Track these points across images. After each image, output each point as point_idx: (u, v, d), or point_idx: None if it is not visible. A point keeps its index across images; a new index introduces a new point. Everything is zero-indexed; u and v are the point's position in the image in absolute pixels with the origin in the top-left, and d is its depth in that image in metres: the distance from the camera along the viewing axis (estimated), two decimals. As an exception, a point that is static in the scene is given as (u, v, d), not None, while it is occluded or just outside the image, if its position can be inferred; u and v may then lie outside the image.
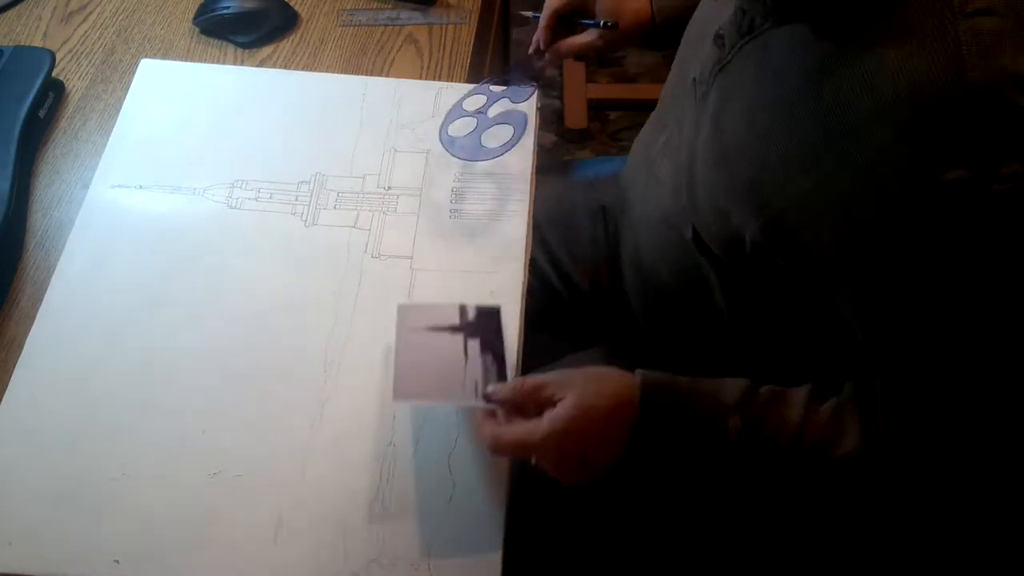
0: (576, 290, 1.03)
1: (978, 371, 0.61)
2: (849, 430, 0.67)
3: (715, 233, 0.73)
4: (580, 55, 1.00)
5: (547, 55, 1.00)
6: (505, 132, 0.89)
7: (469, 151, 0.89)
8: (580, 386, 0.68)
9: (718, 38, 0.70)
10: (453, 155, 0.89)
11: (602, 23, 0.96)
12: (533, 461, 0.68)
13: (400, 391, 0.70)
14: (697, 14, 0.80)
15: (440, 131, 0.89)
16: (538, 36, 0.99)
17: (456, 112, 0.90)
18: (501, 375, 0.71)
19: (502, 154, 0.88)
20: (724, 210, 0.69)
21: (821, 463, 0.68)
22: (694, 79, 0.74)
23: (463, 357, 0.72)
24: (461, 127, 0.90)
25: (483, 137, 0.90)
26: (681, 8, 0.89)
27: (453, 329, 0.75)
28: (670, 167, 0.79)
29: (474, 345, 0.73)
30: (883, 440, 0.66)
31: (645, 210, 0.87)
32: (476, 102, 0.91)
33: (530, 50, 1.00)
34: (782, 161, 0.62)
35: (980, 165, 0.53)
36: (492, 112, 0.91)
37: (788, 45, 0.63)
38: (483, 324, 0.75)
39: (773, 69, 0.63)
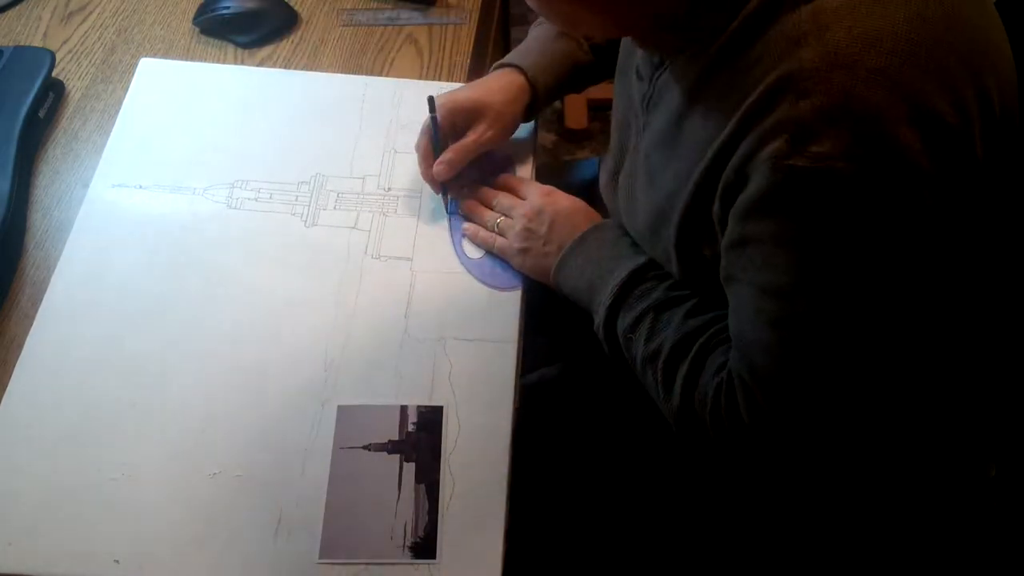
0: None
1: (818, 340, 0.63)
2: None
3: (647, 245, 0.77)
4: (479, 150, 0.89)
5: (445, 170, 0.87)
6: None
7: (497, 276, 0.85)
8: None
9: (638, 73, 0.75)
10: (489, 285, 0.84)
11: (430, 113, 0.85)
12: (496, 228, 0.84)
13: (326, 551, 0.69)
14: (622, 46, 0.82)
15: (458, 254, 0.86)
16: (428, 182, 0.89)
17: (458, 232, 0.87)
18: (432, 510, 0.70)
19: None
20: (653, 227, 0.74)
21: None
22: (635, 111, 0.77)
23: (396, 491, 0.71)
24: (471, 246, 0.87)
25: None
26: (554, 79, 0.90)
27: (391, 446, 0.73)
28: (623, 193, 0.81)
29: (409, 473, 0.72)
30: (764, 412, 0.67)
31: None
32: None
33: (437, 191, 0.89)
34: (683, 169, 0.67)
35: (795, 139, 0.55)
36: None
37: (683, 66, 0.67)
38: (423, 436, 0.74)
39: (680, 93, 0.67)
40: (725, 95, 0.61)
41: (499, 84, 0.88)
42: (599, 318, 0.78)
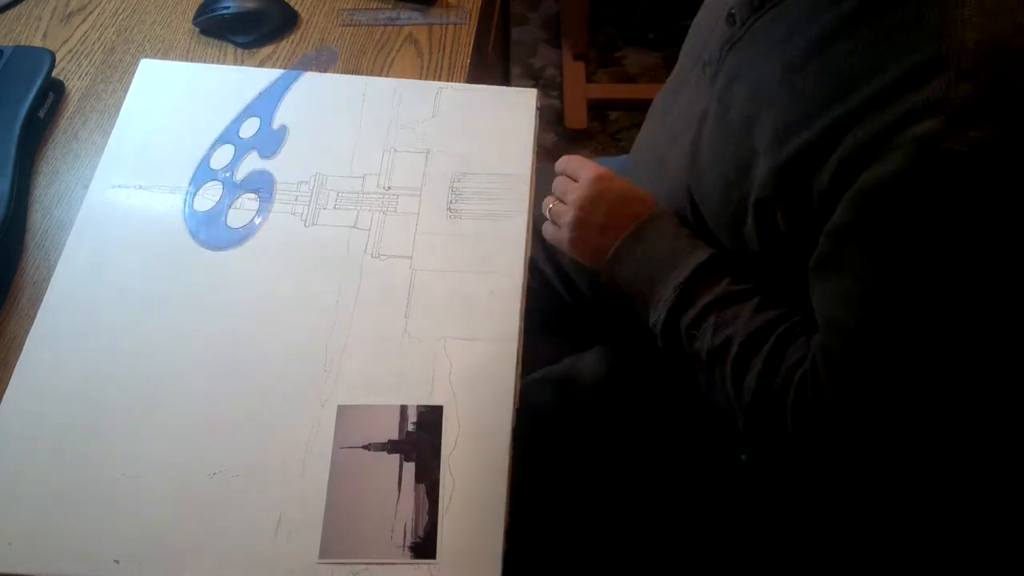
0: (576, 290, 1.03)
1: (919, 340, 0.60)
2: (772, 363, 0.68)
3: (716, 208, 0.74)
4: None
5: None
6: (251, 204, 0.86)
7: (214, 235, 0.82)
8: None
9: (730, 16, 0.71)
10: (199, 243, 0.82)
11: None
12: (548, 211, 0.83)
13: (326, 551, 0.69)
14: (707, 2, 0.81)
15: (184, 204, 0.84)
16: None
17: (203, 172, 0.83)
18: (432, 510, 0.70)
19: (245, 237, 0.82)
20: (728, 182, 0.70)
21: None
22: (704, 63, 0.75)
23: (396, 491, 0.71)
24: (208, 196, 0.84)
25: (229, 214, 0.85)
26: None
27: (390, 446, 0.73)
28: (676, 150, 0.80)
29: (409, 472, 0.72)
30: (829, 403, 0.65)
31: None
32: (223, 156, 0.87)
33: None
34: (784, 123, 0.63)
35: (952, 121, 0.53)
36: (239, 174, 0.88)
37: (799, 13, 0.63)
38: (423, 436, 0.74)
39: (783, 37, 0.64)
40: (857, 55, 0.57)
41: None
42: (658, 314, 0.76)
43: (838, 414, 0.64)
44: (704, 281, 0.74)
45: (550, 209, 0.85)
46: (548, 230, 0.84)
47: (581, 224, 0.81)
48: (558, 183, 0.86)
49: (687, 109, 0.79)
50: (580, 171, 0.85)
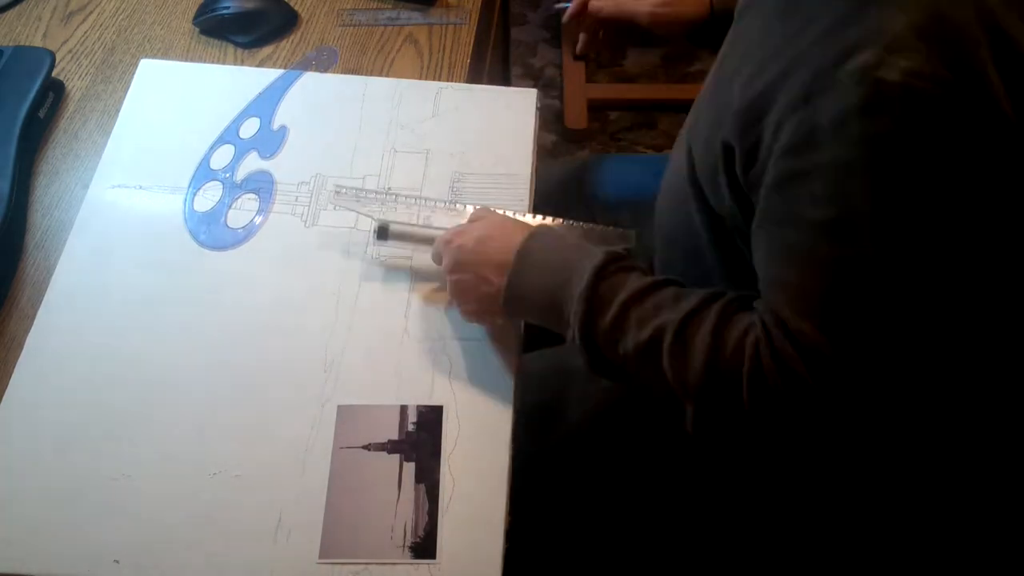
0: None
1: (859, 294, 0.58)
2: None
3: (701, 157, 0.73)
4: (621, 27, 1.01)
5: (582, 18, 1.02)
6: (251, 204, 0.86)
7: (214, 235, 0.82)
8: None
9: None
10: (199, 244, 0.82)
11: None
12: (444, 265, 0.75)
13: (326, 551, 0.69)
14: None
15: (184, 205, 0.85)
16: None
17: (203, 172, 0.83)
18: (432, 510, 0.70)
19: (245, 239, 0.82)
20: (711, 132, 0.70)
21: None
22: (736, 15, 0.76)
23: (396, 491, 0.71)
24: (208, 196, 0.84)
25: (229, 215, 0.85)
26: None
27: (390, 446, 0.73)
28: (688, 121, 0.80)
29: (409, 472, 0.72)
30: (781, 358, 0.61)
31: (667, 178, 0.88)
32: (223, 156, 0.87)
33: (564, 17, 1.02)
34: (751, 69, 0.64)
35: (888, 50, 0.53)
36: (239, 174, 0.88)
37: None
38: (423, 436, 0.74)
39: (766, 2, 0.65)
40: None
41: None
42: (572, 330, 0.69)
43: (798, 379, 0.60)
44: (608, 281, 0.68)
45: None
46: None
47: (456, 269, 0.74)
48: (436, 244, 0.78)
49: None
50: (443, 240, 0.77)
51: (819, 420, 0.63)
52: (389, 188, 0.88)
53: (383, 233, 0.80)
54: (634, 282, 0.68)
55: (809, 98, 0.57)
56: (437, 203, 0.84)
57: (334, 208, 0.86)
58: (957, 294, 0.60)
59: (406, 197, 0.83)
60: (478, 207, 0.82)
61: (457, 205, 0.83)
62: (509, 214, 0.80)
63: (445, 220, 0.82)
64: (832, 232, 0.58)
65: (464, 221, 0.79)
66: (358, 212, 0.82)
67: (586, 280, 0.68)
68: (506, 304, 0.72)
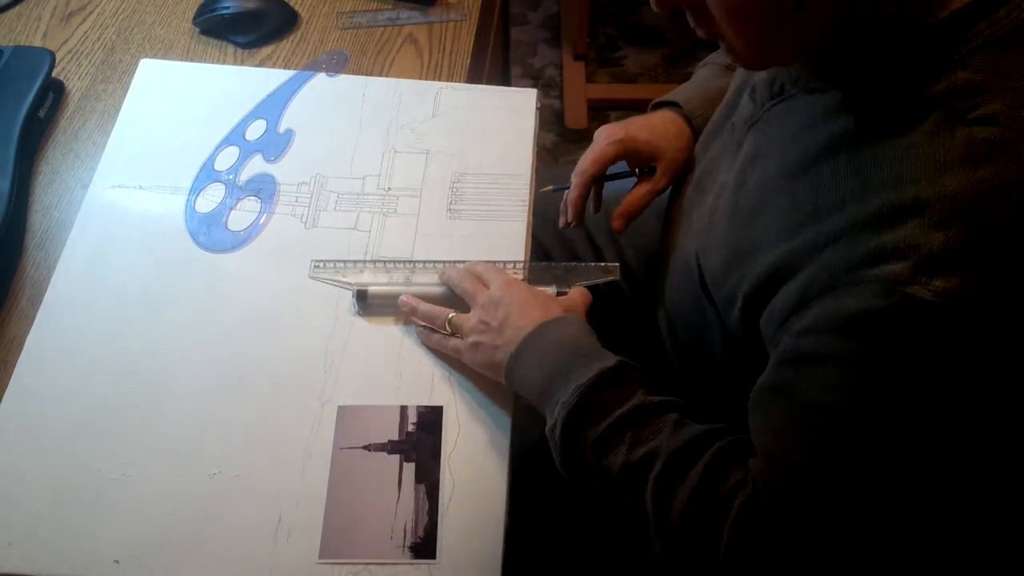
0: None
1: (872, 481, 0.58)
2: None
3: (717, 283, 0.72)
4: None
5: (622, 224, 0.88)
6: (253, 207, 0.86)
7: (215, 238, 0.83)
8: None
9: (752, 92, 0.71)
10: (199, 247, 0.83)
11: (637, 171, 0.87)
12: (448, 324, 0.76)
13: (326, 551, 0.69)
14: None
15: (185, 206, 0.85)
16: (568, 208, 0.87)
17: (207, 173, 0.83)
18: (432, 510, 0.70)
19: (246, 240, 0.83)
20: (727, 264, 0.69)
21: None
22: (733, 123, 0.75)
23: (396, 491, 0.71)
24: (210, 198, 0.85)
25: (230, 217, 0.85)
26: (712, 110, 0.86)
27: (390, 447, 0.73)
28: (701, 207, 0.78)
29: (409, 473, 0.72)
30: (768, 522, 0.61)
31: (674, 241, 0.86)
32: (228, 158, 0.88)
33: (560, 224, 0.88)
34: (778, 228, 0.63)
35: (920, 268, 0.53)
36: (243, 176, 0.88)
37: (810, 115, 0.63)
38: (423, 436, 0.74)
39: (792, 135, 0.64)
40: (845, 177, 0.57)
41: (671, 130, 0.86)
42: (555, 418, 0.68)
43: (779, 553, 0.60)
44: (612, 389, 0.68)
45: (450, 319, 0.77)
46: (451, 343, 0.77)
47: (482, 330, 0.75)
48: (466, 283, 0.79)
49: (715, 162, 0.78)
50: (491, 276, 0.79)
51: None
52: (389, 189, 0.88)
53: (362, 298, 0.80)
54: (640, 398, 0.68)
55: (835, 287, 0.56)
56: (417, 264, 0.83)
57: (335, 209, 0.86)
58: (958, 493, 0.60)
59: (385, 263, 0.83)
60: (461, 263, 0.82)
61: (436, 264, 0.82)
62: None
63: (425, 277, 0.82)
64: (843, 422, 0.58)
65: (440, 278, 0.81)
66: (337, 284, 0.81)
67: (589, 377, 0.68)
68: (509, 363, 0.73)
